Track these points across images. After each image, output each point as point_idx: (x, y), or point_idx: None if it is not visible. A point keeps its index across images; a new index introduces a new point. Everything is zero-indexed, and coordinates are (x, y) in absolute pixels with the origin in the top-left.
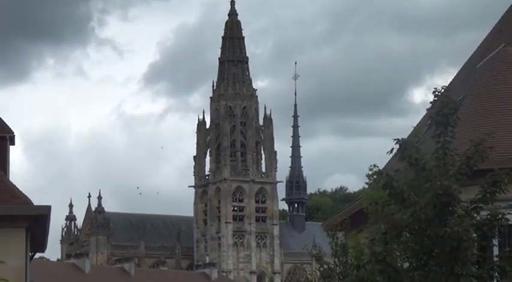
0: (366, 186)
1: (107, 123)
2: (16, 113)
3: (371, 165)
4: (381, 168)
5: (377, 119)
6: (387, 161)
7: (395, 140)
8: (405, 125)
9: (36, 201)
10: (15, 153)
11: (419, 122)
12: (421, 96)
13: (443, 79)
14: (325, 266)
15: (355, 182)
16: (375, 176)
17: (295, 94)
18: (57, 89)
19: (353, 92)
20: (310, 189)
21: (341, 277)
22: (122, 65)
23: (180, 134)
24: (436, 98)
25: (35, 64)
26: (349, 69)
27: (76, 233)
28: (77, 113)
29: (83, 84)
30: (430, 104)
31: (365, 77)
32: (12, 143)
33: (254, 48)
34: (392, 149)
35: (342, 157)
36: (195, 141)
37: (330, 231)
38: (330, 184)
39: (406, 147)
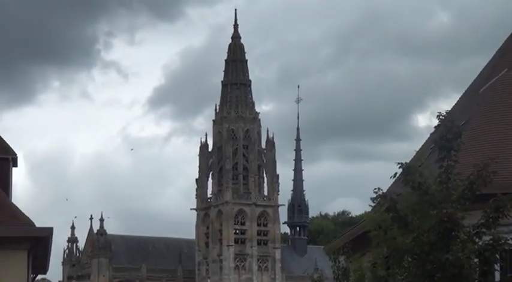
0: (369, 209)
1: (111, 146)
2: (20, 135)
3: (375, 188)
4: (384, 191)
5: (381, 143)
6: (390, 184)
7: (398, 164)
8: (409, 149)
9: (39, 223)
10: (18, 175)
11: (422, 146)
12: (425, 121)
13: (448, 104)
14: None
15: (358, 206)
16: (378, 199)
17: (298, 117)
18: (62, 111)
19: (357, 116)
20: (313, 213)
21: None
22: (127, 88)
23: (184, 156)
24: (439, 123)
25: (40, 86)
26: (353, 93)
27: (78, 255)
28: (82, 135)
29: (88, 106)
30: (434, 129)
31: (369, 101)
32: (15, 165)
33: (259, 72)
34: (396, 173)
35: (345, 181)
36: (198, 164)
37: (332, 255)
38: (333, 208)
39: (409, 172)
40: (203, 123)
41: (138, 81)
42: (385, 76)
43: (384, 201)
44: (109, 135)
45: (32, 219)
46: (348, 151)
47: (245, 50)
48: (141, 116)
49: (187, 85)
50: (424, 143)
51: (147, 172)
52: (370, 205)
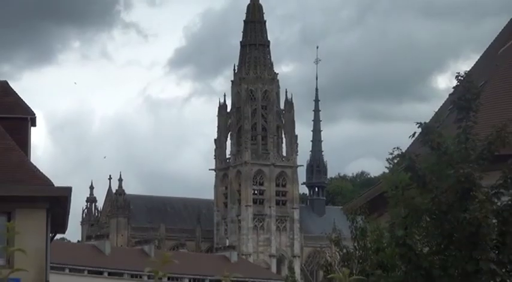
0: (387, 170)
1: (131, 107)
2: (40, 95)
3: (393, 148)
4: (403, 151)
5: (400, 104)
6: (409, 145)
7: (417, 123)
8: (428, 110)
9: (59, 183)
10: (38, 135)
11: (441, 107)
12: (445, 82)
13: (468, 66)
14: (344, 250)
15: (376, 167)
16: (397, 159)
17: (317, 78)
18: (82, 71)
19: (377, 77)
20: (331, 173)
21: (360, 261)
22: (147, 49)
23: (203, 117)
24: (458, 83)
25: (60, 46)
26: (373, 55)
27: (96, 214)
28: (102, 95)
29: (108, 67)
30: (453, 89)
31: (389, 62)
32: (34, 125)
33: (279, 33)
34: (415, 133)
35: (364, 142)
36: (216, 125)
37: (350, 215)
38: (352, 169)
39: (428, 132)
40: (223, 84)
41: (159, 42)
42: (406, 37)
43: (402, 160)
44: (129, 96)
45: (51, 179)
46: (367, 112)
47: (264, 11)
48: (161, 77)
49: (208, 46)
50: (443, 104)
51: (166, 133)
52: (389, 163)
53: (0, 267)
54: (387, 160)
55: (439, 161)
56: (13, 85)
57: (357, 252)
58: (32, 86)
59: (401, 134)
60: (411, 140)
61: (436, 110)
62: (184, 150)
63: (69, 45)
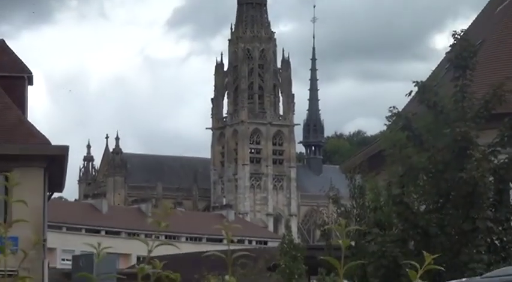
0: (385, 129)
1: (129, 66)
2: (38, 54)
3: (390, 107)
4: (400, 110)
5: (398, 63)
6: (406, 104)
7: (414, 82)
8: (426, 70)
9: (56, 142)
10: (36, 95)
11: (438, 65)
12: (444, 42)
13: (466, 25)
14: (342, 208)
15: (374, 126)
16: (394, 118)
17: (314, 37)
18: (80, 30)
19: (375, 36)
20: (328, 132)
21: (358, 219)
22: (145, 8)
23: (201, 76)
24: (455, 42)
25: (57, 5)
26: (371, 14)
27: (94, 173)
28: (100, 55)
29: (106, 26)
30: (450, 48)
31: (387, 21)
32: (31, 83)
33: None
34: (411, 91)
35: (362, 101)
36: (213, 84)
37: (348, 174)
38: (349, 128)
39: (424, 90)
40: (222, 44)
41: (157, 1)
42: None
43: (399, 119)
44: (127, 56)
45: (48, 138)
46: (365, 71)
47: None
48: (160, 37)
49: (206, 5)
50: (440, 63)
51: (164, 92)
52: (385, 124)
53: None
54: (386, 118)
55: (436, 119)
56: (11, 44)
57: (355, 210)
58: (30, 46)
59: (399, 93)
60: (408, 99)
61: (433, 68)
62: (181, 109)
63: (67, 4)
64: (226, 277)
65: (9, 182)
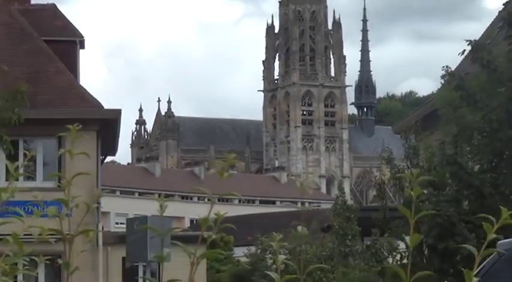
0: (438, 89)
1: (182, 30)
2: (91, 19)
3: (444, 66)
4: (453, 70)
5: (451, 24)
6: (459, 63)
7: (467, 41)
8: (479, 30)
9: (109, 106)
10: (90, 59)
11: (491, 24)
12: (497, 2)
13: None
14: (396, 169)
15: (426, 87)
16: (447, 77)
17: None
18: None
19: None
20: (380, 93)
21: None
22: None
23: (253, 39)
24: (508, 0)
25: None
26: None
27: (146, 137)
28: (153, 19)
29: None
30: (503, 6)
31: None
32: (82, 47)
33: None
34: (464, 50)
35: (414, 62)
36: (264, 46)
37: (403, 133)
38: (402, 89)
39: (478, 49)
40: (274, 6)
41: None
42: None
43: (452, 79)
44: (180, 20)
45: (101, 102)
46: (417, 32)
47: None
48: (212, 0)
49: None
50: (493, 22)
51: (216, 55)
52: (441, 82)
53: (51, 189)
54: (441, 77)
55: (490, 78)
56: (64, 9)
57: (409, 170)
58: (83, 10)
59: (451, 53)
60: (461, 59)
61: (486, 27)
62: (233, 72)
63: None
64: (299, 228)
65: (72, 135)
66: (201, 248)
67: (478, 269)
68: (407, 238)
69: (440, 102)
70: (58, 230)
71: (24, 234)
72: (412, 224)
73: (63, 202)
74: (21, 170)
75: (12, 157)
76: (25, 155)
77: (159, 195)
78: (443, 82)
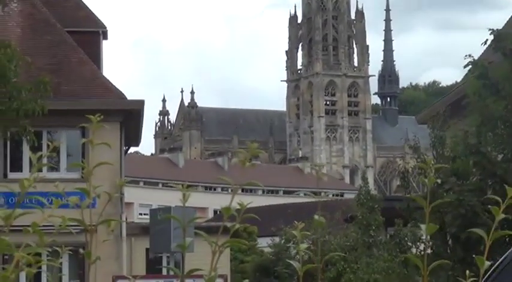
0: (461, 78)
1: (206, 21)
2: (115, 9)
3: (466, 55)
4: (476, 58)
5: (474, 13)
6: (481, 52)
7: (490, 30)
8: (503, 20)
9: (132, 97)
10: (113, 50)
11: None
12: None
13: None
14: (422, 158)
15: (450, 76)
16: (470, 66)
17: None
18: None
19: None
20: (403, 83)
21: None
22: None
23: (277, 30)
24: None
25: None
26: None
27: (169, 127)
28: (177, 10)
29: None
30: None
31: None
32: (105, 38)
33: None
34: (487, 39)
35: (437, 52)
36: (287, 36)
37: (429, 123)
38: (426, 78)
39: (500, 38)
40: None
41: None
42: None
43: (475, 68)
44: (204, 11)
45: (124, 93)
46: (441, 22)
47: None
48: None
49: None
50: None
51: (239, 46)
52: (468, 72)
53: (75, 180)
54: (464, 66)
55: None
56: (87, 0)
57: (435, 160)
58: (107, 1)
59: (474, 43)
60: (484, 48)
61: (510, 16)
62: (256, 62)
63: None
64: (316, 216)
65: (93, 125)
66: (223, 238)
67: (500, 260)
68: (423, 226)
69: (467, 89)
70: (79, 220)
71: (46, 225)
72: (428, 213)
73: (85, 192)
74: (44, 161)
75: (36, 148)
76: (48, 146)
77: (182, 185)
78: (466, 71)
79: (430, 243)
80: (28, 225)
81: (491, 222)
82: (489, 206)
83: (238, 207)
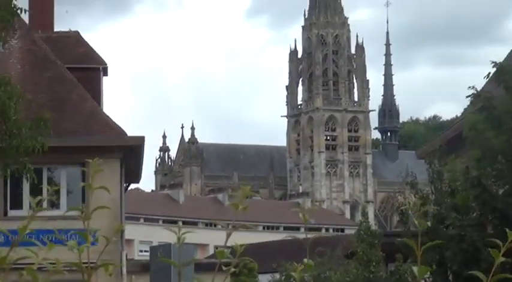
0: (462, 112)
1: (206, 56)
2: (115, 46)
3: (469, 86)
4: (479, 90)
5: (476, 47)
6: (483, 85)
7: (492, 62)
8: (505, 53)
9: (133, 133)
10: (113, 86)
11: None
12: None
13: None
14: (420, 193)
15: (451, 111)
16: (472, 97)
17: (387, 22)
18: (157, 21)
19: (450, 20)
20: (404, 118)
21: (435, 204)
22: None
23: (277, 65)
24: None
25: None
26: None
27: (170, 164)
28: (177, 45)
29: (183, 16)
30: None
31: (464, 5)
32: (106, 74)
33: None
34: (489, 73)
35: (438, 86)
36: (288, 71)
37: (426, 158)
38: (426, 113)
39: (502, 71)
40: (297, 31)
41: None
42: None
43: (478, 100)
44: (205, 46)
45: (125, 129)
46: (441, 56)
47: None
48: (238, 26)
49: None
50: None
51: (240, 81)
52: (468, 105)
53: (75, 218)
54: (466, 97)
55: None
56: (88, 36)
57: (433, 195)
58: (107, 37)
59: (476, 77)
60: (485, 81)
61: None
62: (257, 97)
63: None
64: (305, 260)
65: (92, 168)
66: (222, 275)
67: None
68: (415, 269)
69: (466, 124)
70: (76, 263)
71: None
72: (419, 256)
73: (83, 235)
74: (44, 203)
75: (36, 185)
76: (48, 190)
77: (183, 222)
78: (469, 103)
79: (431, 279)
80: (30, 263)
81: (493, 259)
82: (489, 249)
83: (235, 247)
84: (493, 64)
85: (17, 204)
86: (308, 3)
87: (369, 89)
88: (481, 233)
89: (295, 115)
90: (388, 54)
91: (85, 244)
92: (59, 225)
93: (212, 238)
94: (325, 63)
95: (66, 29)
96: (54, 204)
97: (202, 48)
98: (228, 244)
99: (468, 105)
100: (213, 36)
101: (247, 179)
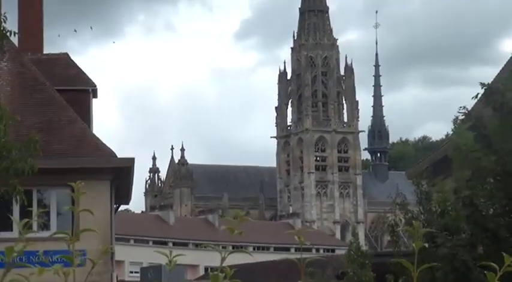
0: (450, 134)
1: (196, 78)
2: (105, 68)
3: (460, 107)
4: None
5: (465, 69)
6: (472, 106)
7: (481, 84)
8: (494, 74)
9: (122, 155)
10: (103, 108)
11: (505, 66)
12: None
13: None
14: (410, 214)
15: (440, 131)
16: (462, 117)
17: (376, 43)
18: (148, 44)
19: (439, 41)
20: (393, 138)
21: (425, 224)
22: (213, 21)
23: (266, 86)
24: None
25: (125, 19)
26: (437, 17)
27: (160, 185)
28: (167, 67)
29: (174, 38)
30: None
31: (453, 26)
32: (95, 96)
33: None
34: (478, 93)
35: (427, 107)
36: (277, 92)
37: (414, 179)
38: (416, 134)
39: (491, 92)
40: (287, 53)
41: (223, 13)
42: (471, 0)
43: (467, 120)
44: (194, 68)
45: (114, 151)
46: (430, 77)
47: None
48: (228, 48)
49: (273, 16)
50: (506, 64)
51: (229, 102)
52: (453, 124)
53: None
54: (454, 118)
55: (503, 122)
56: (79, 59)
57: (422, 216)
58: (97, 60)
59: (465, 98)
60: (474, 102)
61: (499, 71)
62: (246, 119)
63: (135, 18)
64: None
65: (75, 192)
66: None
67: None
68: None
69: (453, 145)
70: None
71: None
72: (416, 277)
73: (68, 259)
74: (34, 226)
75: (25, 207)
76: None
77: (174, 243)
78: (458, 123)
79: None
80: None
81: (485, 278)
82: (485, 272)
83: (228, 270)
84: (482, 85)
85: (6, 226)
86: (297, 25)
87: (358, 110)
88: (472, 254)
89: (284, 136)
90: (377, 76)
91: (71, 267)
92: (49, 246)
93: (202, 259)
94: (314, 84)
95: (56, 52)
96: (44, 226)
97: (192, 70)
98: (217, 265)
99: (454, 127)
100: (203, 58)
101: (238, 200)
